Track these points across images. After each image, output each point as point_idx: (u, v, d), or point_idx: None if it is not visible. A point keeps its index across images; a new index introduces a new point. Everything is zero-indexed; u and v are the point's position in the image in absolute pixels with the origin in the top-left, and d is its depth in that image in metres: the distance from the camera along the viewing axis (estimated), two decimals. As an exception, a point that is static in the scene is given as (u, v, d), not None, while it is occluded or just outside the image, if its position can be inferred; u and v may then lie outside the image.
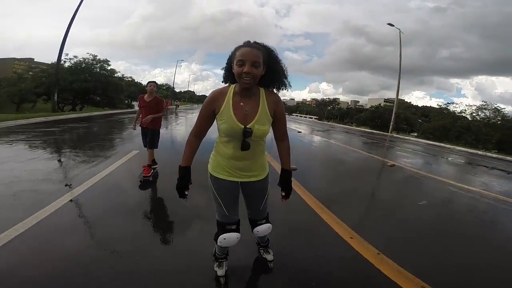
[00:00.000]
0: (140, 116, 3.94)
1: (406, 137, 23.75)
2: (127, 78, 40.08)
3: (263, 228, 1.60)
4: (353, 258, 2.14)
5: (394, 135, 24.76)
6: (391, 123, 24.42)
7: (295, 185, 3.74)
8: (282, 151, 1.51)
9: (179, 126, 13.04)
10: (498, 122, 26.71)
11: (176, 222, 2.64)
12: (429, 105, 37.68)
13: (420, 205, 3.78)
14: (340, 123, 45.10)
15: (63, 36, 17.36)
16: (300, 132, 14.60)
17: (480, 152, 15.52)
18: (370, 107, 53.14)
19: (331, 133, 16.91)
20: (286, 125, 1.49)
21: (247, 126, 1.29)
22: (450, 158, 10.42)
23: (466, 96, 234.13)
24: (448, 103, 35.04)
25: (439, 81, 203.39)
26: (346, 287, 1.82)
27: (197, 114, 1.46)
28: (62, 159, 4.84)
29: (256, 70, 1.23)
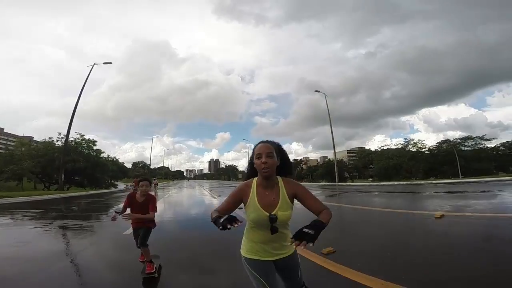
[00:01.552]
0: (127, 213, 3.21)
1: (349, 184, 29.43)
2: (111, 158, 43.38)
3: None
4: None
5: (341, 183, 30.57)
6: (336, 174, 30.56)
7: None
8: (322, 214, 1.42)
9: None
10: (419, 154, 33.69)
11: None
12: (391, 147, 43.86)
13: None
14: (309, 182, 50.13)
15: (69, 119, 21.68)
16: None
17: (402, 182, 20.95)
18: (322, 164, 60.32)
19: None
20: (316, 199, 1.51)
21: (272, 214, 1.43)
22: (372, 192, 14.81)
23: (420, 131, 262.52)
24: (405, 140, 40.57)
25: (392, 121, 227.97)
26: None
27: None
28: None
29: (271, 160, 1.44)
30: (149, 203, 3.18)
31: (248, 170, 1.66)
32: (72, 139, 29.80)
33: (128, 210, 3.14)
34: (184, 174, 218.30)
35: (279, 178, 1.55)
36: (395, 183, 25.28)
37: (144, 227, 3.19)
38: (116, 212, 3.15)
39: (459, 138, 34.52)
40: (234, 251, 1.89)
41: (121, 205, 3.26)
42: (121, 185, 39.55)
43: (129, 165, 73.81)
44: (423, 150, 34.34)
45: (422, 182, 23.85)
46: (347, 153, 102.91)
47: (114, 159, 45.62)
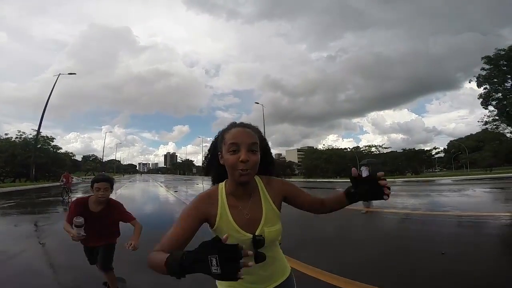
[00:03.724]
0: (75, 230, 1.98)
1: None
2: (69, 153, 45.18)
3: None
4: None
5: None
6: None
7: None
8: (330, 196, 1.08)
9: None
10: (332, 157, 43.60)
11: None
12: (341, 147, 55.15)
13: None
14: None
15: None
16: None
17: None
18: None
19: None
20: (309, 194, 1.09)
21: (256, 234, 0.93)
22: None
23: (368, 132, 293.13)
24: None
25: (345, 123, 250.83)
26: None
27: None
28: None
29: (255, 156, 0.89)
30: (119, 214, 2.19)
31: (207, 171, 1.11)
32: (30, 136, 32.41)
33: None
34: (137, 167, 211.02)
35: (257, 179, 1.02)
36: (312, 180, 33.54)
37: (105, 243, 2.19)
38: (77, 227, 1.93)
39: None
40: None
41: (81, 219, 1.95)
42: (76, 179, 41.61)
43: (77, 157, 72.66)
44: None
45: (333, 180, 32.48)
46: (297, 151, 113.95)
47: (71, 154, 47.17)
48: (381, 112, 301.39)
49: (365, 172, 16.54)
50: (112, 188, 2.17)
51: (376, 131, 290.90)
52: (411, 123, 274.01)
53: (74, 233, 1.92)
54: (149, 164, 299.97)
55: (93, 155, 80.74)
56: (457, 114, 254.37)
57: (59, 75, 29.14)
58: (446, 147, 60.73)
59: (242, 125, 0.98)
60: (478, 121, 27.90)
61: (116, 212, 2.19)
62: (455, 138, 56.56)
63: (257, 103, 38.70)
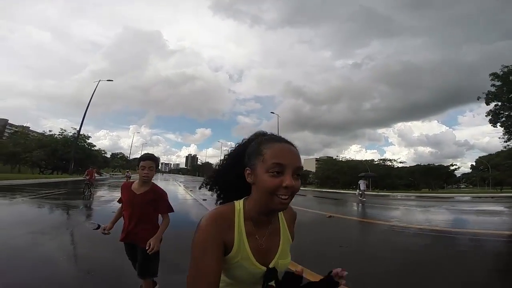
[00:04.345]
0: (124, 219, 2.12)
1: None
2: (101, 150, 50.08)
3: None
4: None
5: None
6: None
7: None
8: None
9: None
10: (345, 169, 43.98)
11: None
12: (366, 158, 55.17)
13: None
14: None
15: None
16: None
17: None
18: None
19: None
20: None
21: (270, 267, 0.81)
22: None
23: (393, 144, 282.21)
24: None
25: (369, 133, 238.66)
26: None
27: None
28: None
29: (298, 182, 0.75)
30: (161, 201, 2.08)
31: (220, 183, 0.93)
32: (70, 134, 36.99)
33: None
34: (159, 167, 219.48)
35: None
36: (323, 190, 34.55)
37: (144, 246, 1.88)
38: (96, 227, 2.12)
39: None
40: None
41: (101, 224, 2.12)
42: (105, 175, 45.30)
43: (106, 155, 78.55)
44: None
45: (341, 191, 33.36)
46: (315, 161, 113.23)
47: (103, 151, 51.93)
48: (409, 123, 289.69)
49: (362, 186, 17.59)
50: (157, 168, 2.16)
51: (403, 143, 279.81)
52: (441, 136, 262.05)
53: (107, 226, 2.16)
54: (170, 164, 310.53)
55: (120, 153, 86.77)
56: (493, 127, 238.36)
57: (99, 81, 33.04)
58: (474, 163, 59.05)
59: (287, 141, 0.80)
60: (499, 138, 25.50)
61: (158, 199, 2.08)
62: (487, 154, 54.42)
63: (273, 112, 40.15)
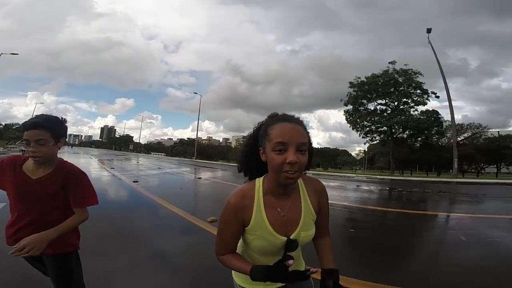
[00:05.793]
0: (10, 213, 1.24)
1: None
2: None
3: None
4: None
5: (197, 160, 39.15)
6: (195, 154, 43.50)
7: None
8: (325, 248, 1.04)
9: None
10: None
11: None
12: None
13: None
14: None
15: None
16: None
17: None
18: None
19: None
20: (328, 218, 1.05)
21: (291, 238, 0.90)
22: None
23: (313, 128, 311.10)
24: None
25: None
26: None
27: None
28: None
29: (303, 157, 0.83)
30: (75, 188, 1.26)
31: (243, 163, 1.02)
32: None
33: (2, 205, 1.24)
34: (67, 139, 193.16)
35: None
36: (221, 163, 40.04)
37: (53, 252, 1.23)
38: None
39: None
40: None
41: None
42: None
43: (-3, 125, 67.17)
44: None
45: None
46: (242, 137, 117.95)
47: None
48: (327, 111, 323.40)
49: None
50: (55, 139, 1.20)
51: (321, 127, 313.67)
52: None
53: None
54: (81, 136, 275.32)
55: (16, 124, 75.55)
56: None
57: (1, 54, 26.45)
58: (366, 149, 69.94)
59: (289, 119, 0.87)
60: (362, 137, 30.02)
61: (71, 183, 1.24)
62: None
63: (196, 93, 41.01)
